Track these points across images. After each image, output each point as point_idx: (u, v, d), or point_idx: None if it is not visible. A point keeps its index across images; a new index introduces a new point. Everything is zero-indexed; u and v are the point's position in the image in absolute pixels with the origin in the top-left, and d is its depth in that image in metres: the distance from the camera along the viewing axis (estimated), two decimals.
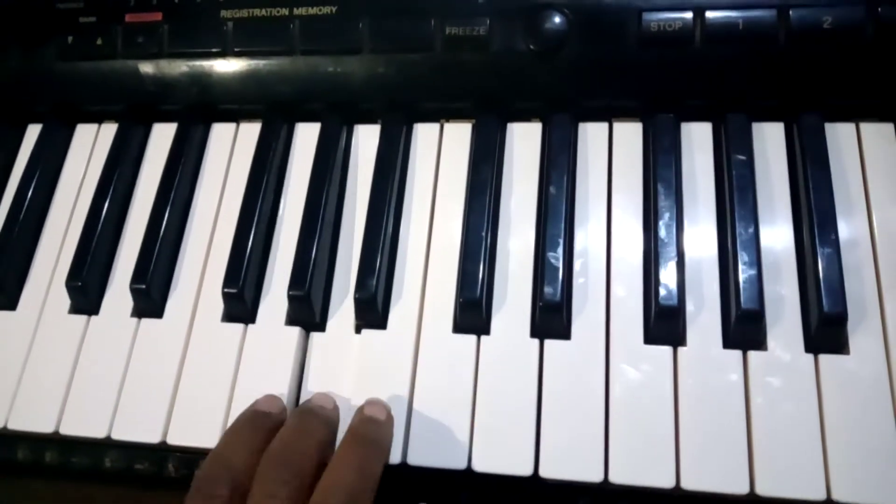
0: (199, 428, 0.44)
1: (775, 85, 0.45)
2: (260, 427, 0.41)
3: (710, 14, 0.45)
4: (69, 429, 0.46)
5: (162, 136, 0.53)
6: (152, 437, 0.45)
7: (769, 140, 0.46)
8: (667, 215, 0.44)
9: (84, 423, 0.46)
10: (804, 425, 0.39)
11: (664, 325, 0.42)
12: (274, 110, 0.51)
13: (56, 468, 0.47)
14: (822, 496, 0.38)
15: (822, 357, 0.41)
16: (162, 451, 0.46)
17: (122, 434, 0.45)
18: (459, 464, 0.41)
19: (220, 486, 0.37)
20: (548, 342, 0.43)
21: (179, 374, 0.46)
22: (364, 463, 0.38)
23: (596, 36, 0.47)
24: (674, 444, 0.40)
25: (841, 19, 0.43)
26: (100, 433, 0.45)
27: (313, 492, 0.37)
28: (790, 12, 0.44)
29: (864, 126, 0.46)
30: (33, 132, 0.55)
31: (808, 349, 0.41)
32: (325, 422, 0.41)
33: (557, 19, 0.46)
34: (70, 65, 0.53)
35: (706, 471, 0.39)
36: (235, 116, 0.53)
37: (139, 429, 0.45)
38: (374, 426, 0.41)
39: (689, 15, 0.45)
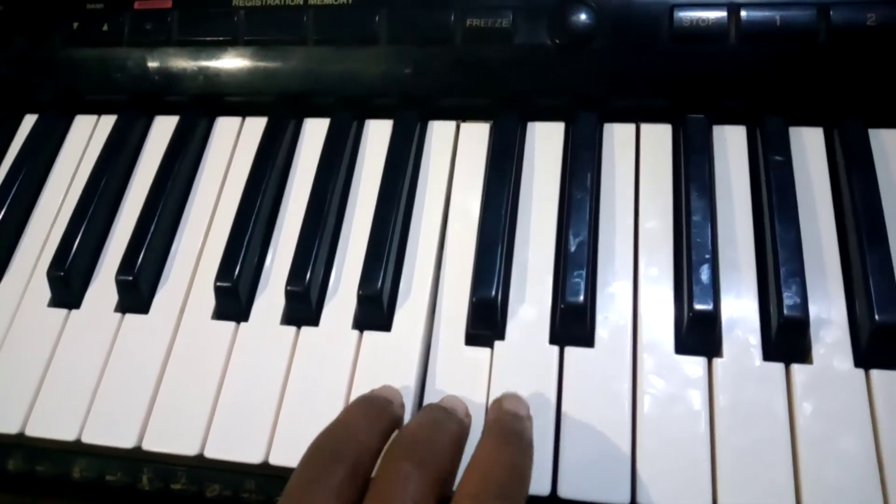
0: (178, 434, 0.40)
1: (814, 86, 0.43)
2: (382, 411, 0.35)
3: (745, 10, 0.43)
4: (36, 430, 0.41)
5: (163, 129, 0.51)
6: (126, 442, 0.40)
7: (808, 144, 0.43)
8: (699, 216, 0.40)
9: (53, 425, 0.41)
10: (856, 446, 0.35)
11: (698, 332, 0.38)
12: (282, 103, 0.49)
13: (20, 478, 0.43)
14: None
15: (874, 372, 0.37)
16: (136, 461, 0.42)
17: (93, 437, 0.41)
18: None
19: (343, 458, 0.31)
20: (569, 349, 0.39)
21: (161, 375, 0.42)
22: (518, 462, 0.33)
23: (625, 31, 0.44)
24: (710, 465, 0.36)
25: (886, 17, 0.41)
26: (69, 436, 0.41)
27: (454, 487, 0.31)
28: (831, 9, 0.42)
29: None
30: (29, 122, 0.53)
31: (857, 363, 0.37)
32: (458, 423, 0.35)
33: (585, 13, 0.44)
34: (73, 51, 0.51)
35: (747, 494, 0.35)
36: (241, 111, 0.51)
37: (113, 432, 0.41)
38: (519, 423, 0.35)
39: (723, 11, 0.43)
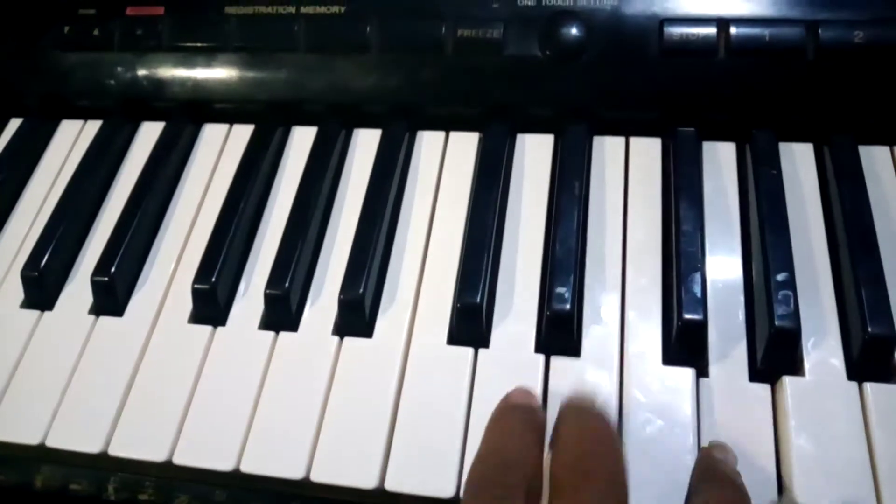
0: (147, 439, 0.39)
1: (803, 102, 0.43)
2: (530, 422, 0.32)
3: (734, 26, 0.43)
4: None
5: (150, 135, 0.50)
6: (92, 447, 0.39)
7: (798, 158, 0.43)
8: (689, 225, 0.40)
9: (16, 429, 0.40)
10: (850, 460, 0.34)
11: (687, 342, 0.37)
12: (271, 111, 0.48)
13: None
14: None
15: (868, 385, 0.36)
16: (102, 471, 0.40)
17: (58, 442, 0.39)
18: (446, 491, 0.35)
19: (513, 484, 0.28)
20: (555, 359, 0.38)
21: (133, 379, 0.41)
22: None
23: (615, 45, 0.44)
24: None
25: (873, 35, 0.41)
26: (33, 440, 0.39)
27: None
28: (819, 26, 0.42)
29: None
30: (15, 126, 0.52)
31: (850, 376, 0.36)
32: (610, 422, 0.33)
33: (575, 26, 0.44)
34: (63, 55, 0.50)
35: None
36: (230, 118, 0.50)
37: (78, 437, 0.39)
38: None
39: (712, 27, 0.43)
